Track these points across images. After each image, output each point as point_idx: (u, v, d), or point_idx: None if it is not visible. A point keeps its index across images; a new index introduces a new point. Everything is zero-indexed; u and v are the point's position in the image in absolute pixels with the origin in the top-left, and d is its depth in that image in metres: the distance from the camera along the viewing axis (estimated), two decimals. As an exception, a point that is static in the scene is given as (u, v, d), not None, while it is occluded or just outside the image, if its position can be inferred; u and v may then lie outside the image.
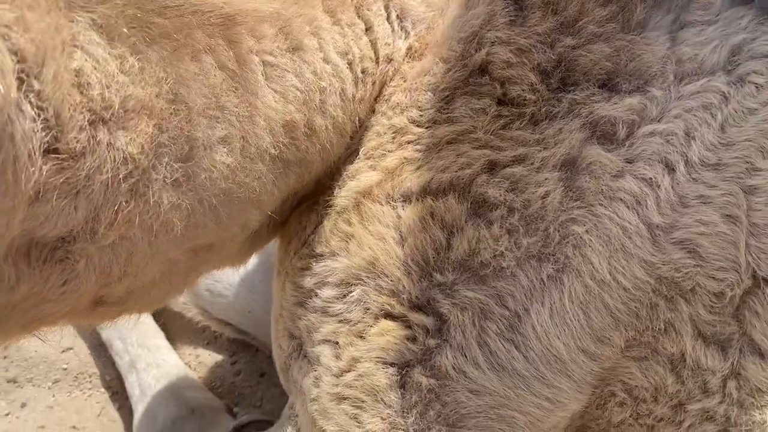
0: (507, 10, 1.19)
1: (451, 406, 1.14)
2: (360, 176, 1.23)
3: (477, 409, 1.14)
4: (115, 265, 0.99)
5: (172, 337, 2.11)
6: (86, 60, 0.86)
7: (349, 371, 1.18)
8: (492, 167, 1.15)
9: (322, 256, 1.23)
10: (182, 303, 2.03)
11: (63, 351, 2.06)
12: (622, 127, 1.12)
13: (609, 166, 1.11)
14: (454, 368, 1.14)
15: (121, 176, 0.90)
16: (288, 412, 1.32)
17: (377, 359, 1.16)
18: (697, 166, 1.08)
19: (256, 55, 1.08)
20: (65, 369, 2.05)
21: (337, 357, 1.19)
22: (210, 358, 2.10)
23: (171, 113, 0.95)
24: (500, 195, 1.13)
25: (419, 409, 1.14)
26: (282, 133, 1.13)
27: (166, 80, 0.94)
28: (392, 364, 1.16)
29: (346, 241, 1.21)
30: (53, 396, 2.02)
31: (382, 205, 1.19)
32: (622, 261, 1.10)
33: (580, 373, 1.14)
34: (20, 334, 1.04)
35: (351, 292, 1.19)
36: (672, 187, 1.09)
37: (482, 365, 1.13)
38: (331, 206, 1.25)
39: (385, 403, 1.16)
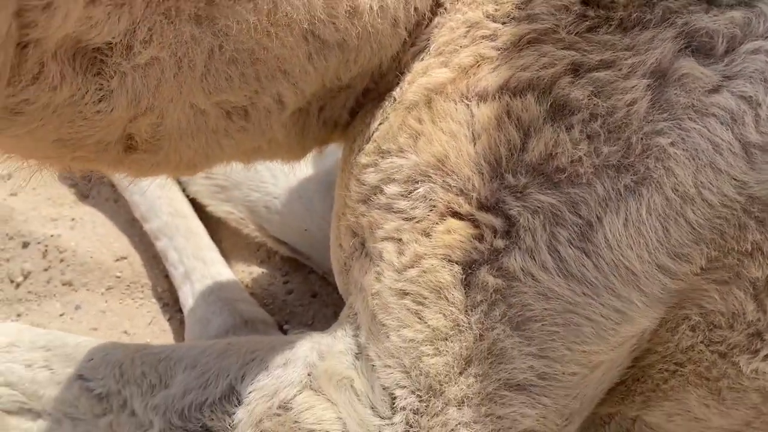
0: None
1: (517, 308, 1.11)
2: (431, 72, 1.19)
3: (543, 313, 1.11)
4: (144, 92, 1.04)
5: (227, 255, 2.10)
6: None
7: (412, 267, 1.15)
8: (576, 69, 1.11)
9: (388, 152, 1.21)
10: (240, 219, 2.02)
11: (117, 260, 2.07)
12: (722, 41, 1.06)
13: (703, 80, 1.06)
14: (522, 270, 1.10)
15: None
16: (346, 312, 1.30)
17: (442, 256, 1.13)
18: None
19: None
20: (119, 277, 2.06)
21: (401, 253, 1.17)
22: (263, 276, 2.10)
23: None
24: (584, 99, 1.09)
25: (483, 308, 1.12)
26: (320, 7, 1.10)
27: None
28: (457, 263, 1.13)
29: (415, 138, 1.18)
30: (106, 302, 2.03)
31: (455, 102, 1.16)
32: (710, 176, 1.05)
33: (652, 289, 1.10)
34: (54, 153, 1.07)
35: (417, 189, 1.16)
36: None
37: (551, 270, 1.10)
38: (399, 102, 1.22)
39: (448, 300, 1.13)
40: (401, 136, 1.19)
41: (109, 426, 1.43)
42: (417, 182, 1.17)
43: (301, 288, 2.06)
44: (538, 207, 1.10)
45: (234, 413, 1.27)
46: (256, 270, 2.11)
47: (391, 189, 1.19)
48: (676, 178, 1.06)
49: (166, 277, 2.06)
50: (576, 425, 1.24)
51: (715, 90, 1.06)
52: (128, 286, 2.06)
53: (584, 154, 1.08)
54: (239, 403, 1.28)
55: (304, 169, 1.97)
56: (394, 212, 1.18)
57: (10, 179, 2.09)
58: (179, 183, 2.06)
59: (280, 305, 2.03)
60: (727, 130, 1.05)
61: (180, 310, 2.01)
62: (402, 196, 1.18)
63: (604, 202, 1.08)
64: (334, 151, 1.98)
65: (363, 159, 1.24)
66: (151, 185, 2.00)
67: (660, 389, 1.25)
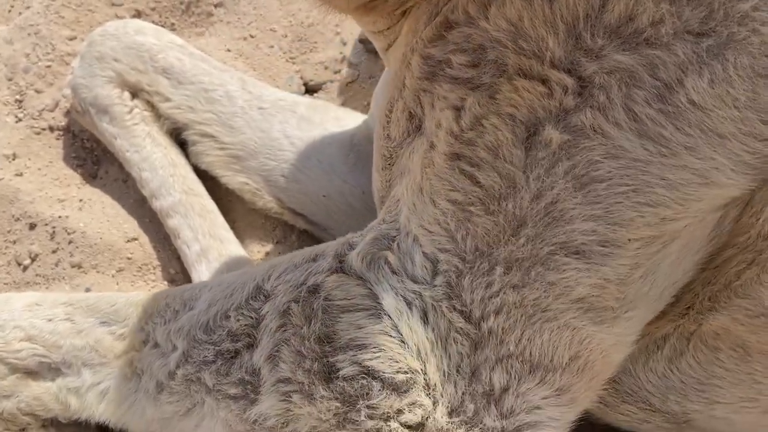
0: None
1: (583, 166, 1.05)
2: None
3: (610, 173, 1.05)
4: None
5: (241, 234, 2.03)
6: None
7: (471, 129, 1.10)
8: None
9: (457, 23, 1.16)
10: (255, 190, 1.95)
11: (128, 241, 1.98)
12: None
13: None
14: (592, 127, 1.05)
15: None
16: (385, 206, 1.24)
17: (506, 114, 1.08)
18: None
19: None
20: (129, 259, 1.97)
21: (460, 118, 1.11)
22: (279, 256, 2.02)
23: None
24: None
25: (545, 165, 1.06)
26: None
27: None
28: (521, 121, 1.07)
29: (486, 6, 1.13)
30: (117, 284, 1.94)
31: None
32: None
33: (741, 151, 1.05)
34: None
35: (486, 56, 1.11)
36: None
37: (624, 127, 1.05)
38: None
39: (505, 159, 1.07)
40: (470, 7, 1.14)
41: (129, 364, 1.34)
42: (486, 49, 1.12)
43: (320, 265, 1.98)
44: (615, 68, 1.05)
45: (260, 308, 1.20)
46: (272, 250, 2.03)
47: (459, 59, 1.14)
48: (762, 37, 1.03)
49: (178, 258, 1.98)
50: (640, 316, 1.16)
51: None
52: (140, 267, 1.97)
53: (666, 12, 1.05)
54: (266, 298, 1.21)
55: (322, 135, 1.92)
56: (459, 83, 1.13)
57: (15, 159, 2.02)
58: (189, 159, 2.00)
59: (299, 281, 1.94)
60: None
61: (194, 292, 1.92)
62: (470, 65, 1.13)
63: (684, 65, 1.04)
64: (355, 119, 1.93)
65: (429, 33, 1.19)
66: (162, 161, 1.93)
67: (731, 287, 1.19)
